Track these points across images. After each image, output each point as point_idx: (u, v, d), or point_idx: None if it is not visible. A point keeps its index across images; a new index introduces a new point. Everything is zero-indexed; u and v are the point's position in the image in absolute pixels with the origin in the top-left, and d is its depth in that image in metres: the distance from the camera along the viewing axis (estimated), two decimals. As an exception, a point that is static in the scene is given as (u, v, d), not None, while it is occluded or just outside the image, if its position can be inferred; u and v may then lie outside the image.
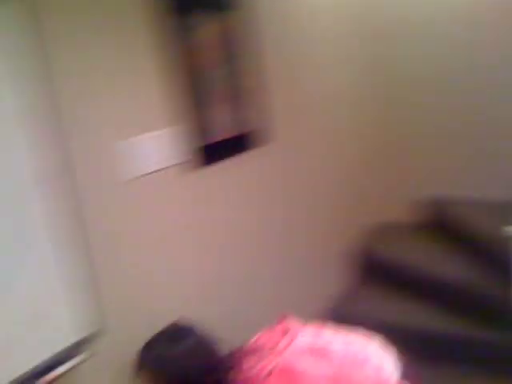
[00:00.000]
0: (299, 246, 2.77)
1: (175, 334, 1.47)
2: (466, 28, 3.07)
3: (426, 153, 3.42)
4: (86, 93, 1.65)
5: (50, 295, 1.52)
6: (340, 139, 3.14)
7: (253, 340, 1.50)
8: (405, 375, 1.38)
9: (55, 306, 1.53)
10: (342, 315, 2.79)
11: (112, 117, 1.74)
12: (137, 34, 1.83)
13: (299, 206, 2.78)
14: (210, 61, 2.11)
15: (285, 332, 1.45)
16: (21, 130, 1.44)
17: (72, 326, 1.58)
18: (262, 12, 2.42)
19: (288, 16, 2.67)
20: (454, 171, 3.33)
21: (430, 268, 2.98)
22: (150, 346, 1.47)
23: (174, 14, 1.95)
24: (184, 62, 2.00)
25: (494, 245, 2.67)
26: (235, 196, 2.30)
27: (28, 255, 1.46)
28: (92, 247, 1.65)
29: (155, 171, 1.90)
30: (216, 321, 1.86)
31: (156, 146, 1.90)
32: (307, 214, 2.85)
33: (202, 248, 2.12)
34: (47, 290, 1.51)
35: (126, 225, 1.80)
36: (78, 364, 1.58)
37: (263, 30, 2.43)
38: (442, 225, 3.32)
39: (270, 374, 1.30)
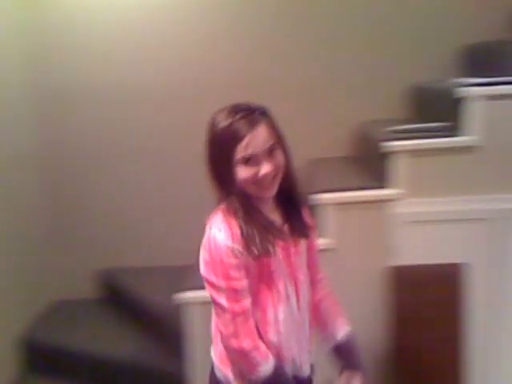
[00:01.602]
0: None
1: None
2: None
3: (91, 224, 3.09)
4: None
5: None
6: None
7: None
8: None
9: None
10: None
11: None
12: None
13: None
14: None
15: None
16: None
17: None
18: None
19: None
20: (123, 242, 3.07)
21: (98, 349, 2.64)
22: None
23: None
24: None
25: (167, 315, 2.50)
26: None
27: None
28: None
29: None
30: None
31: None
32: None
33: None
34: None
35: None
36: None
37: None
38: (114, 298, 3.01)
39: None
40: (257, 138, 1.30)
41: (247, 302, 1.34)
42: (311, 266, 1.52)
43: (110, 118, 2.94)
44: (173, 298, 2.16)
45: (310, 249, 1.51)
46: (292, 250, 1.42)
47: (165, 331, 2.56)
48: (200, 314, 2.13)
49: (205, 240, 1.36)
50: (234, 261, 1.31)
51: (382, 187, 2.09)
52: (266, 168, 1.31)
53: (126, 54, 2.87)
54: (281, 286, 1.39)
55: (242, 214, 1.34)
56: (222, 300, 1.32)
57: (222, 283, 1.32)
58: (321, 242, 2.04)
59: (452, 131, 2.04)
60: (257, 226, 1.34)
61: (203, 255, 1.36)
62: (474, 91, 1.94)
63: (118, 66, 2.88)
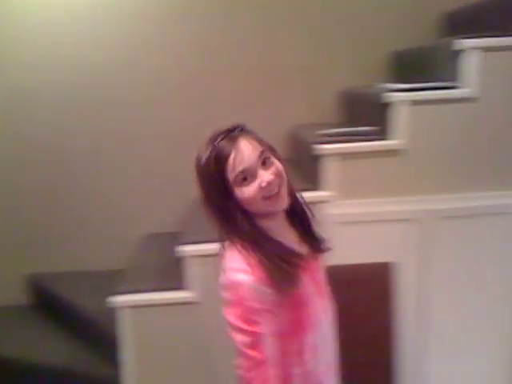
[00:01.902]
0: None
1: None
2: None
3: (19, 229, 2.98)
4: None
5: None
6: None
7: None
8: None
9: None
10: None
11: None
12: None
13: None
14: None
15: None
16: None
17: None
18: None
19: None
20: (51, 246, 2.98)
21: (30, 356, 2.55)
22: None
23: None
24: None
25: (100, 320, 2.46)
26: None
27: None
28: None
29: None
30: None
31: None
32: None
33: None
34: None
35: None
36: None
37: None
38: (45, 304, 2.92)
39: None
40: (243, 152, 1.23)
41: (270, 350, 1.26)
42: None
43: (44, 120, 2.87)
44: (105, 302, 2.12)
45: None
46: (314, 266, 1.36)
47: (98, 336, 2.51)
48: (133, 318, 2.12)
49: (224, 281, 1.27)
50: (257, 304, 1.22)
51: (314, 189, 2.14)
52: (266, 176, 1.23)
53: (63, 55, 2.79)
54: (313, 309, 1.33)
55: (258, 248, 1.25)
56: (245, 346, 1.24)
57: (244, 327, 1.23)
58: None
59: (380, 135, 2.11)
60: (277, 258, 1.25)
61: (225, 297, 1.27)
62: (399, 96, 2.01)
63: (56, 66, 2.80)
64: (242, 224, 1.26)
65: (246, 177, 1.23)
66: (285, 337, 1.29)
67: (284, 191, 1.27)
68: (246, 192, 1.23)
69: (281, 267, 1.24)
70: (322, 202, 2.12)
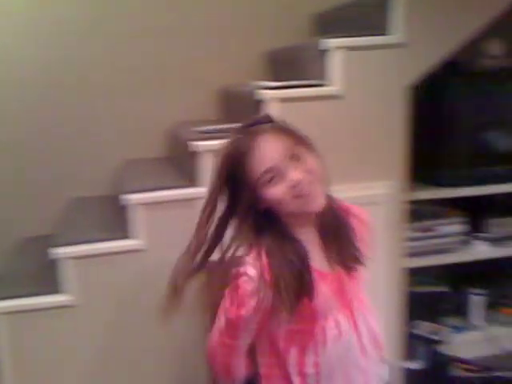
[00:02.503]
0: None
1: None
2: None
3: None
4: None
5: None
6: None
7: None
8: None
9: None
10: None
11: None
12: None
13: None
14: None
15: None
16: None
17: None
18: None
19: None
20: None
21: None
22: None
23: None
24: None
25: None
26: None
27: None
28: None
29: None
30: None
31: None
32: None
33: None
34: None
35: None
36: None
37: None
38: None
39: None
40: (265, 151, 1.13)
41: (247, 342, 1.24)
42: None
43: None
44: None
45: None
46: (345, 278, 1.26)
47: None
48: (6, 326, 2.00)
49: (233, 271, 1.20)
50: (248, 298, 1.15)
51: (192, 186, 2.14)
52: (295, 174, 1.13)
53: None
54: (327, 328, 1.23)
55: (274, 253, 1.15)
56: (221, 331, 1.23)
57: (228, 315, 1.20)
58: (129, 244, 2.04)
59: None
60: (292, 270, 1.14)
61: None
62: (269, 94, 2.07)
63: None
64: (263, 227, 1.18)
65: (273, 176, 1.13)
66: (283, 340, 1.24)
67: (317, 190, 1.17)
68: (275, 192, 1.14)
69: (291, 281, 1.14)
70: (199, 198, 2.12)
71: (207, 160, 2.10)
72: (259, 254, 1.18)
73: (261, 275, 1.15)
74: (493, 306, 2.75)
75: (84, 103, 2.67)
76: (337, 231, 1.26)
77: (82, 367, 2.08)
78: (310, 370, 1.22)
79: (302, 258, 1.18)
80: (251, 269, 1.17)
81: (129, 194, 2.05)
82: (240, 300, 1.17)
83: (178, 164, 2.44)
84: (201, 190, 2.11)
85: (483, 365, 2.49)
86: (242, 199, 1.17)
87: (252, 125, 1.18)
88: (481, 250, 2.57)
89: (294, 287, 1.14)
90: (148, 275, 2.05)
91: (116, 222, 2.17)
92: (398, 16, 2.09)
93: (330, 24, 2.64)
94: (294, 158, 1.15)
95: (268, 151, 1.13)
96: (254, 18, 2.80)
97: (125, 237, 2.04)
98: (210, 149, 2.09)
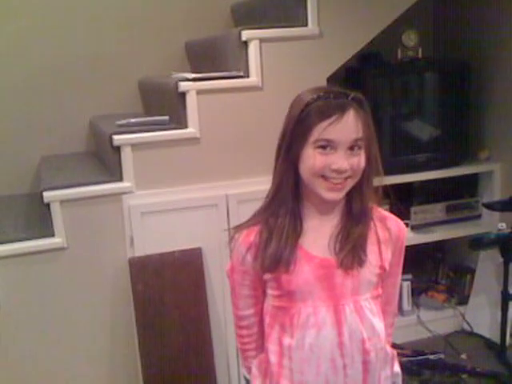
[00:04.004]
0: None
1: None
2: None
3: None
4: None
5: None
6: None
7: None
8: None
9: None
10: None
11: None
12: None
13: None
14: None
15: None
16: None
17: None
18: None
19: None
20: None
21: None
22: None
23: None
24: None
25: None
26: None
27: None
28: None
29: None
30: None
31: None
32: None
33: None
34: None
35: None
36: None
37: None
38: None
39: None
40: (343, 124, 1.13)
41: (248, 313, 1.35)
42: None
43: None
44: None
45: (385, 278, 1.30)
46: (338, 271, 1.22)
47: None
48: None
49: None
50: (241, 269, 1.29)
51: (115, 181, 2.11)
52: (340, 162, 1.14)
53: None
54: (303, 311, 1.23)
55: (272, 217, 1.24)
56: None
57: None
58: (49, 242, 2.00)
59: (175, 124, 2.15)
60: (279, 233, 1.21)
61: None
62: (188, 86, 2.07)
63: None
64: (288, 184, 1.22)
65: (327, 146, 1.14)
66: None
67: (346, 186, 1.19)
68: (315, 160, 1.15)
69: (275, 244, 1.21)
70: (122, 193, 2.10)
71: (129, 154, 2.08)
72: (255, 225, 1.27)
73: (251, 240, 1.26)
74: (419, 290, 2.87)
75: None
76: (355, 230, 1.25)
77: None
78: (285, 351, 1.26)
79: (289, 233, 1.23)
80: (245, 232, 1.28)
81: (48, 191, 2.01)
82: (232, 256, 1.32)
83: (100, 159, 2.40)
84: (124, 185, 2.10)
85: (414, 349, 2.57)
86: (291, 150, 1.20)
87: (345, 96, 1.18)
88: (405, 237, 2.66)
89: (273, 253, 1.22)
90: (70, 275, 2.02)
91: (37, 219, 2.12)
92: (312, 8, 2.13)
93: (251, 15, 2.66)
94: (353, 147, 1.17)
95: (342, 126, 1.13)
96: (175, 10, 2.79)
97: (46, 235, 2.00)
98: (130, 142, 2.08)
